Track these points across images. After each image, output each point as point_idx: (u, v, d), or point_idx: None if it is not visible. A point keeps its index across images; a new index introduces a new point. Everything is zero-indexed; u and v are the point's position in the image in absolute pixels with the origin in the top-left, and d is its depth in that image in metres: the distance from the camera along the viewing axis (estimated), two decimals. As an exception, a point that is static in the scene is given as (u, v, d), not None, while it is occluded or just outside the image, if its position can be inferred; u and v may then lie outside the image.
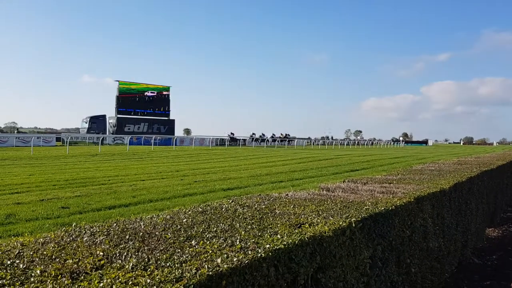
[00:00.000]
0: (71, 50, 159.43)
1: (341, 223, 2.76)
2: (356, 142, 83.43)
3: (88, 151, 31.14)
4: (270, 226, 2.60)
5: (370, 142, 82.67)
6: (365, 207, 3.31)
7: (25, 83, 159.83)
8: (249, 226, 2.57)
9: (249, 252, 2.02)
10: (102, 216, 7.59)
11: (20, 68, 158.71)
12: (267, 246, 2.13)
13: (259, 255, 2.01)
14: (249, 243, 2.17)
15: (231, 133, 53.15)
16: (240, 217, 2.85)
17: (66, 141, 35.94)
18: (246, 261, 1.90)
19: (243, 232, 2.41)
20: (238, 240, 2.23)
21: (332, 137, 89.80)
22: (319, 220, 2.79)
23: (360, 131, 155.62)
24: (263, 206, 3.28)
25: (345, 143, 72.83)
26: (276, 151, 39.23)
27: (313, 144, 63.76)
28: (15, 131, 67.02)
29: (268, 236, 2.35)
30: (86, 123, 54.20)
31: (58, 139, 43.87)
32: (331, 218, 2.86)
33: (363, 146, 70.50)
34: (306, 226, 2.64)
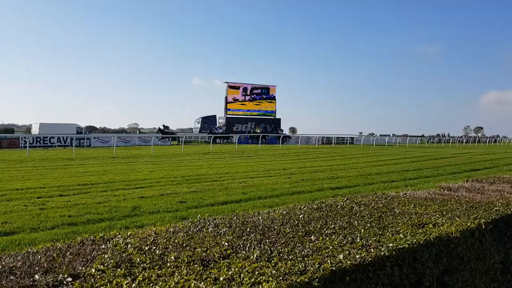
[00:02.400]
0: (184, 53, 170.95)
1: (469, 224, 2.58)
2: (477, 139, 76.61)
3: (201, 149, 33.08)
4: (391, 225, 2.53)
5: (493, 139, 75.35)
6: (495, 208, 3.05)
7: (145, 86, 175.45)
8: (368, 224, 2.53)
9: (371, 250, 2.00)
10: (215, 211, 8.01)
11: (141, 73, 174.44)
12: (390, 245, 2.08)
13: (382, 253, 1.97)
14: (370, 241, 2.14)
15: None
16: (357, 215, 2.82)
17: (181, 140, 38.62)
18: (369, 259, 1.88)
19: (362, 230, 2.38)
20: (358, 238, 2.21)
21: (448, 134, 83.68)
22: (443, 221, 2.64)
23: (481, 128, 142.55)
24: (380, 205, 3.19)
25: (464, 141, 67.37)
26: (387, 149, 37.74)
27: (428, 142, 60.05)
28: (137, 132, 73.67)
29: (389, 235, 2.30)
30: (198, 123, 57.47)
31: (174, 139, 47.33)
32: (457, 219, 2.69)
33: (484, 144, 64.52)
34: (430, 226, 2.51)
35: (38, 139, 35.58)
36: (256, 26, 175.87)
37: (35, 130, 47.24)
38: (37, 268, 1.97)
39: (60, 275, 1.86)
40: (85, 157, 23.42)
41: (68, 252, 2.18)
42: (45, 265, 2.01)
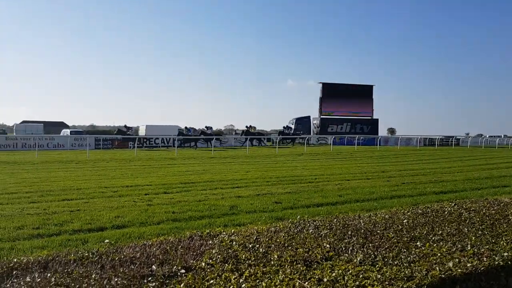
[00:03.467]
0: (277, 55, 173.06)
1: None
2: None
3: (295, 151, 33.24)
4: (505, 233, 2.37)
5: None
6: None
7: (241, 89, 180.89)
8: (479, 232, 2.39)
9: (484, 258, 1.90)
10: (311, 213, 8.02)
11: (237, 76, 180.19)
12: (505, 254, 1.95)
13: (496, 262, 1.86)
14: (482, 250, 2.03)
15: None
16: (467, 221, 2.67)
17: (276, 142, 39.19)
18: (482, 268, 1.79)
19: (473, 238, 2.26)
20: (468, 246, 2.11)
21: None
22: None
23: None
24: (493, 212, 2.99)
25: None
26: (498, 151, 34.65)
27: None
28: (233, 133, 76.12)
29: (504, 243, 2.15)
30: (292, 124, 57.82)
31: (268, 139, 48.18)
32: None
33: None
34: (555, 237, 2.30)
35: (145, 140, 38.49)
36: (351, 24, 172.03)
37: (142, 131, 51.16)
38: (153, 259, 2.18)
39: (174, 267, 2.04)
40: (186, 157, 24.84)
41: (180, 246, 2.38)
42: (160, 256, 2.21)
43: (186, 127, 41.08)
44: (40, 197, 9.59)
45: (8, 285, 2.11)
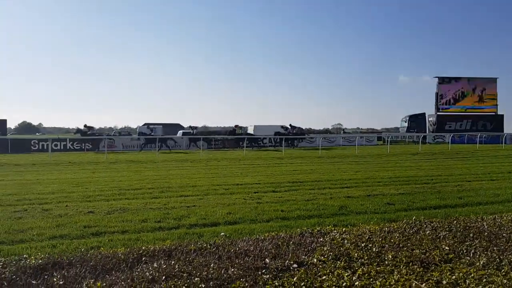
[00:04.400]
0: (388, 51, 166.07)
1: None
2: None
3: (408, 150, 31.68)
4: None
5: None
6: None
7: (349, 87, 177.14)
8: None
9: None
10: (427, 215, 7.58)
11: (350, 74, 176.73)
12: None
13: None
14: None
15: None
16: None
17: (387, 140, 37.72)
18: None
19: None
20: None
21: None
22: None
23: None
24: None
25: None
26: None
27: None
28: (341, 132, 74.91)
29: None
30: (405, 122, 55.16)
31: (379, 138, 46.59)
32: None
33: None
34: None
35: (253, 140, 39.68)
36: (470, 10, 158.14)
37: (250, 131, 52.86)
38: (266, 253, 2.29)
39: (287, 261, 2.12)
40: (293, 156, 25.11)
41: (291, 242, 2.46)
42: (273, 251, 2.31)
43: (190, 126, 39.69)
44: (160, 193, 10.45)
45: (138, 269, 2.37)
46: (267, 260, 2.27)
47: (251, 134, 43.00)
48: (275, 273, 2.12)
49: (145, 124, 64.22)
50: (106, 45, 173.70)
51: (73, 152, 30.89)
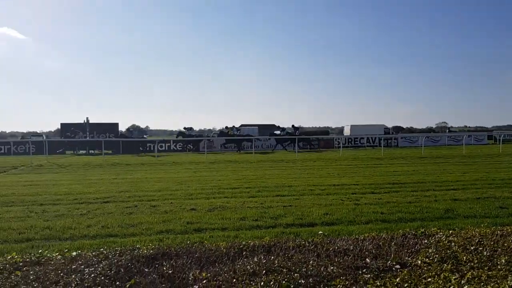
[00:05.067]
0: (494, 46, 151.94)
1: None
2: None
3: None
4: None
5: None
6: None
7: (454, 82, 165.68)
8: None
9: None
10: (549, 222, 6.87)
11: (457, 70, 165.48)
12: None
13: None
14: None
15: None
16: None
17: (499, 139, 34.69)
18: None
19: None
20: None
21: None
22: None
23: None
24: None
25: None
26: None
27: None
28: (447, 131, 70.50)
29: None
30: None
31: (489, 137, 43.05)
32: None
33: None
34: None
35: (350, 140, 38.95)
36: None
37: (346, 132, 51.99)
38: (366, 252, 2.26)
39: (389, 262, 2.07)
40: (393, 156, 24.17)
41: (393, 242, 2.40)
42: (373, 251, 2.28)
43: (185, 127, 38.46)
44: (257, 192, 10.72)
45: (240, 262, 2.48)
46: (367, 259, 2.24)
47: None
48: (376, 273, 2.09)
49: (241, 126, 66.25)
50: (210, 51, 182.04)
51: (176, 153, 32.87)
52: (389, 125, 56.40)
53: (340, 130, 50.64)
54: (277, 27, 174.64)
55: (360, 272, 2.13)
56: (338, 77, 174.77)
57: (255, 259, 2.46)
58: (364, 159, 23.06)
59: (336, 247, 2.52)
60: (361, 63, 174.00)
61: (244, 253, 2.71)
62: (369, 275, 2.07)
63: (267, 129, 60.97)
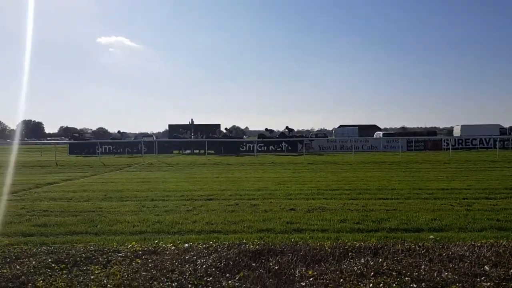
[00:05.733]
0: None
1: None
2: None
3: None
4: None
5: None
6: None
7: None
8: None
9: None
10: None
11: None
12: None
13: None
14: None
15: None
16: None
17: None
18: None
19: None
20: None
21: None
22: None
23: None
24: None
25: None
26: None
27: None
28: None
29: None
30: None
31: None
32: None
33: None
34: None
35: (460, 141, 36.40)
36: None
37: (456, 132, 48.72)
38: (484, 259, 2.13)
39: (511, 271, 1.94)
40: (510, 159, 22.12)
41: (516, 250, 2.23)
42: (493, 258, 2.14)
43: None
44: (358, 194, 10.51)
45: (346, 263, 2.49)
46: (486, 267, 2.11)
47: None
48: (496, 281, 1.97)
49: (340, 126, 65.30)
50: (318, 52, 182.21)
51: (274, 153, 33.40)
52: (506, 125, 51.79)
53: (449, 130, 47.69)
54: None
55: (479, 279, 2.02)
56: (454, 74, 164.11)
57: (362, 261, 2.44)
58: (476, 161, 21.42)
59: (450, 253, 2.40)
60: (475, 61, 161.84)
61: (350, 254, 2.70)
62: (488, 283, 1.96)
63: (368, 130, 59.39)
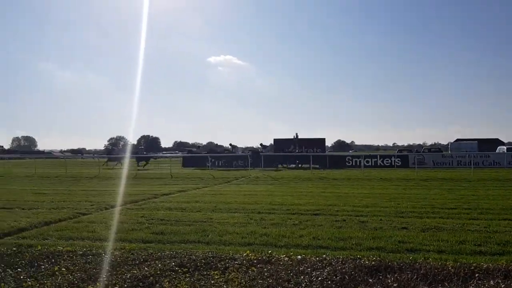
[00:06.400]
0: None
1: None
2: None
3: None
4: None
5: None
6: None
7: None
8: None
9: None
10: None
11: None
12: None
13: None
14: None
15: None
16: None
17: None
18: None
19: None
20: None
21: None
22: None
23: None
24: None
25: None
26: None
27: None
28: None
29: None
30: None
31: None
32: None
33: None
34: None
35: None
36: None
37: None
38: None
39: None
40: None
41: None
42: None
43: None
44: (479, 214, 9.79)
45: (473, 284, 2.38)
46: None
47: None
48: None
49: (457, 140, 61.27)
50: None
51: (383, 169, 32.30)
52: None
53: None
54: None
55: None
56: None
57: (492, 283, 2.31)
58: None
59: None
60: None
61: (476, 275, 2.56)
62: None
63: (488, 144, 54.94)
